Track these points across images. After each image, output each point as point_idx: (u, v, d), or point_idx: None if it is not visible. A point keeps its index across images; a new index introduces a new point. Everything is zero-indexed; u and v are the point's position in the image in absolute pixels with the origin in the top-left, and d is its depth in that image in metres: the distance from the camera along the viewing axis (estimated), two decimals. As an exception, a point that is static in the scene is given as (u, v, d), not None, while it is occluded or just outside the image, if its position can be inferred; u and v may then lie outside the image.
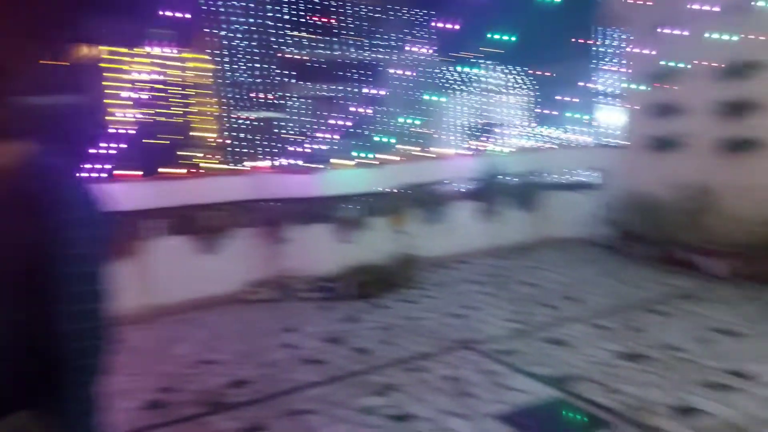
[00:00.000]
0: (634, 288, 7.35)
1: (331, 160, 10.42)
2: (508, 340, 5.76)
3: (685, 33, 8.30)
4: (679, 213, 8.25)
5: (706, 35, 8.01)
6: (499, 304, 6.99)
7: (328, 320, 6.78)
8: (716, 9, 7.88)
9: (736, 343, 5.36)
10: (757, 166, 7.71)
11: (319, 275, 7.79)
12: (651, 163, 9.05)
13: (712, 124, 8.21)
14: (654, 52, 8.73)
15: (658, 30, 8.54)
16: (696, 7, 7.91)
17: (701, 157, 8.38)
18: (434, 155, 12.45)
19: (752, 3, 7.48)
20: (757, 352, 5.11)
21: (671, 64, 8.59)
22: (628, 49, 9.20)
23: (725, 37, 7.87)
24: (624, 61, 9.45)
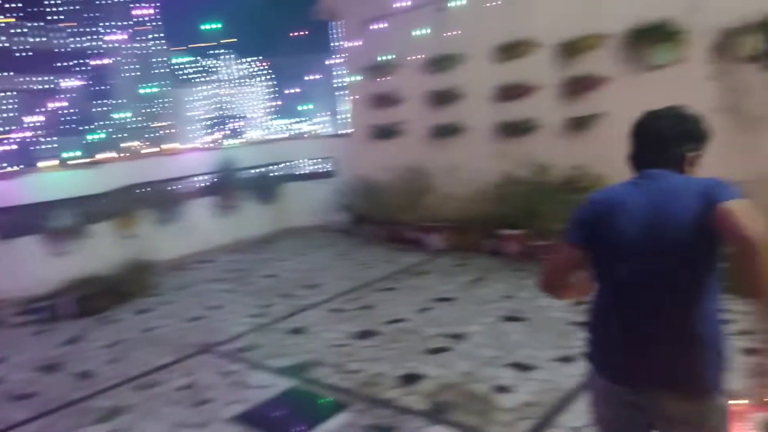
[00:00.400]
0: (366, 268, 7.80)
1: (39, 162, 9.16)
2: (248, 336, 5.66)
3: (395, 28, 8.99)
4: (402, 195, 8.97)
5: (413, 31, 8.76)
6: (240, 301, 6.85)
7: (44, 345, 5.95)
8: (418, 6, 8.64)
9: (451, 308, 5.98)
10: (460, 149, 8.70)
11: (31, 295, 6.80)
12: (375, 151, 9.69)
13: (425, 112, 9.05)
14: (369, 46, 9.29)
15: (371, 25, 9.11)
16: (400, 4, 8.59)
17: (417, 142, 9.21)
18: (167, 151, 11.76)
19: (447, 2, 8.35)
20: (467, 314, 5.75)
21: (385, 57, 9.24)
22: (346, 44, 9.65)
23: (428, 32, 8.69)
24: (345, 55, 9.91)
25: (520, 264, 7.39)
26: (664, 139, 2.01)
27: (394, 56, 9.21)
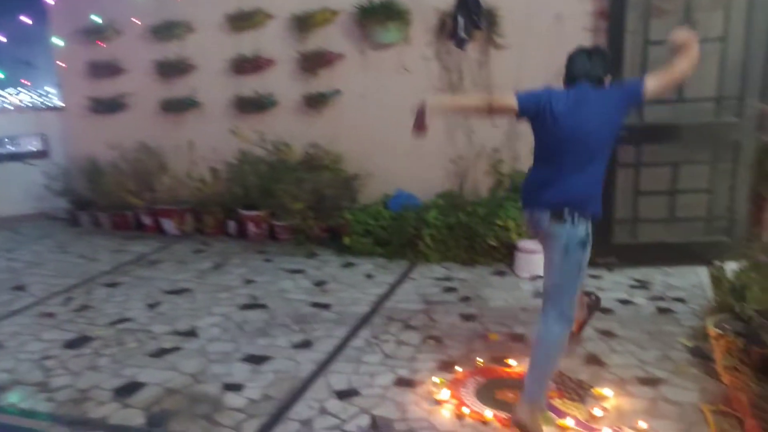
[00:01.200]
0: (89, 262, 6.85)
1: None
2: None
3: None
4: (132, 176, 8.07)
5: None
6: None
7: None
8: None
9: (186, 300, 5.47)
10: (196, 125, 8.07)
11: None
12: (96, 126, 8.55)
13: (154, 84, 8.19)
14: (80, 5, 8.08)
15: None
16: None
17: (147, 117, 8.32)
18: None
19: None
20: (202, 306, 5.32)
21: (100, 19, 8.11)
22: (49, 2, 8.26)
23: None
24: (51, 14, 8.49)
25: (262, 246, 7.15)
26: (590, 64, 3.04)
27: (111, 19, 8.12)
